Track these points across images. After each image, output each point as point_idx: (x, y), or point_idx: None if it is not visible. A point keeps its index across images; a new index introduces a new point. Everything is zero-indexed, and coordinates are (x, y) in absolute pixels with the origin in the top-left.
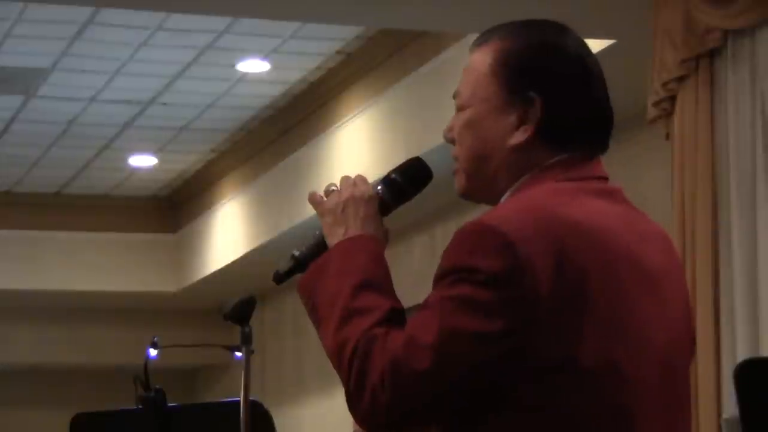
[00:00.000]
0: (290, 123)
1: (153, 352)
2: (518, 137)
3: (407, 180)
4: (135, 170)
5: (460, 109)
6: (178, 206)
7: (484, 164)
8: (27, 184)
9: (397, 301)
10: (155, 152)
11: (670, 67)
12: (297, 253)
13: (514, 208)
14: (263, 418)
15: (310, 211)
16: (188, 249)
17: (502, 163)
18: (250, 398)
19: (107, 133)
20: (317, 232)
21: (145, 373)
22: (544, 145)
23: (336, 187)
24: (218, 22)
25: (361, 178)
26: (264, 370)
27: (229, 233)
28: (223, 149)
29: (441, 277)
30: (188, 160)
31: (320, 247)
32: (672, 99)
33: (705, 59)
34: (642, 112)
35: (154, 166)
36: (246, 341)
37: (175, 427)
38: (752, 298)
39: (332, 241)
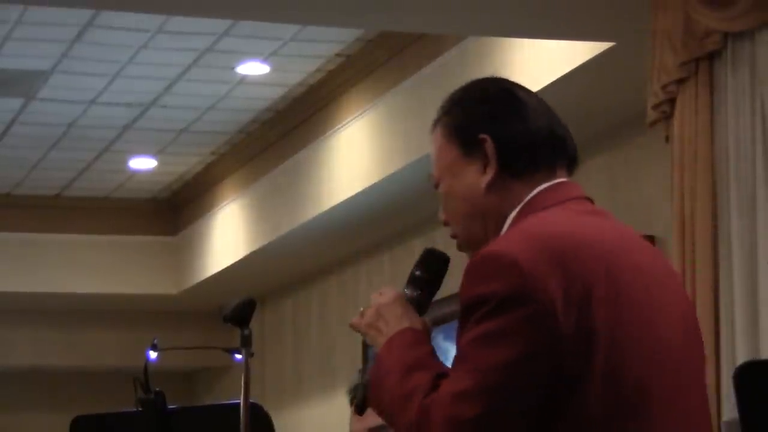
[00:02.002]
0: (290, 125)
1: (153, 355)
2: (487, 177)
3: (429, 272)
4: (135, 173)
5: (438, 188)
6: (177, 209)
7: (473, 220)
8: (27, 186)
9: (443, 367)
10: (155, 155)
11: (669, 69)
12: (364, 380)
13: (511, 235)
14: (263, 420)
15: (309, 213)
16: (188, 251)
17: (486, 208)
18: (250, 400)
19: (107, 136)
20: (372, 354)
21: (144, 376)
22: (514, 176)
23: (366, 308)
24: (218, 25)
25: (385, 288)
26: (264, 372)
27: (229, 236)
28: (223, 152)
29: (463, 318)
30: (188, 162)
31: None
32: (671, 102)
33: (704, 62)
34: (642, 115)
35: (154, 168)
36: (246, 344)
37: (175, 429)
38: (752, 301)
39: (378, 350)
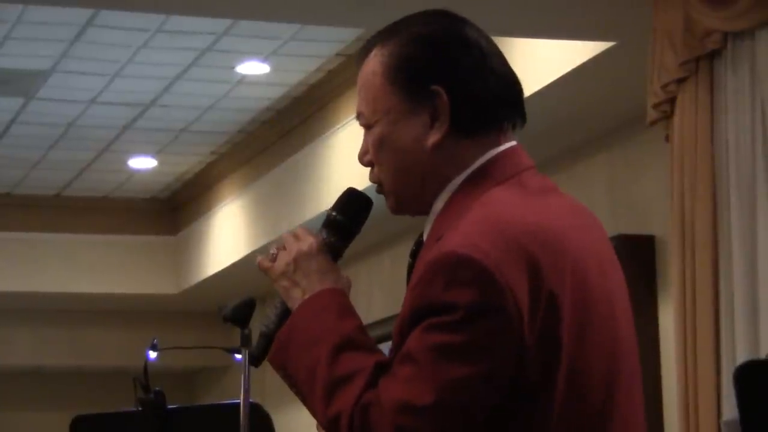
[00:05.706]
0: (290, 125)
1: (153, 354)
2: (435, 135)
3: (350, 216)
4: (135, 172)
5: (367, 129)
6: (177, 208)
7: (409, 176)
8: (27, 186)
9: (378, 350)
10: (155, 154)
11: (669, 69)
12: (264, 329)
13: (478, 228)
14: (263, 420)
15: (310, 213)
16: (188, 251)
17: (427, 168)
18: (250, 400)
19: (107, 135)
20: (277, 302)
21: (144, 375)
22: (464, 136)
23: (278, 248)
24: (218, 24)
25: (302, 230)
26: (264, 372)
27: (228, 235)
28: (222, 151)
29: (417, 318)
30: (188, 162)
31: (285, 316)
32: (672, 101)
33: (705, 61)
34: (642, 114)
35: (154, 168)
36: (246, 343)
37: (175, 428)
38: (752, 300)
39: (293, 305)
